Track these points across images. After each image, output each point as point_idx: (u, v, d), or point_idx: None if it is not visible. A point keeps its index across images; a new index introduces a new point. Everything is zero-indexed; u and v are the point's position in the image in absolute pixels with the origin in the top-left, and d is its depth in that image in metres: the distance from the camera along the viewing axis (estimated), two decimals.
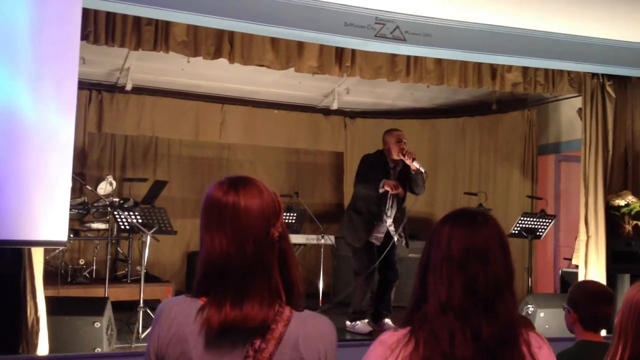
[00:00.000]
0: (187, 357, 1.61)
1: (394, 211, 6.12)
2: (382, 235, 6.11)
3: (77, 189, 7.35)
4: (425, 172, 5.98)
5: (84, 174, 7.69)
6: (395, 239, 6.11)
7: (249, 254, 1.64)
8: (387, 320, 6.15)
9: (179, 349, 1.62)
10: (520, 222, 6.79)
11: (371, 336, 5.90)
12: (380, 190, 5.93)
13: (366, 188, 6.04)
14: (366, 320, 6.08)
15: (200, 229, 1.71)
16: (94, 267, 7.34)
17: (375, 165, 6.11)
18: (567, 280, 6.87)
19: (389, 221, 6.12)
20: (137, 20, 5.24)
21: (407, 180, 6.12)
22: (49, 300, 4.55)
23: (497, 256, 1.64)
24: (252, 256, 1.64)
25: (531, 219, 6.88)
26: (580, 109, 6.82)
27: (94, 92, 8.03)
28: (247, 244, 1.64)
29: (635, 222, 6.41)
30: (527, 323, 2.82)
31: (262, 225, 1.67)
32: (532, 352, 1.63)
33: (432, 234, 1.72)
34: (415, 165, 5.90)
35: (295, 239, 7.21)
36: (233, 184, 1.71)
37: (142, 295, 5.61)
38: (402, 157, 5.99)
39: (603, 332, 3.29)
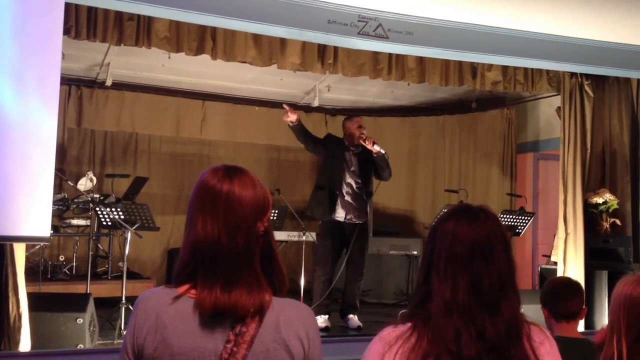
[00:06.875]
0: (168, 344, 1.60)
1: (349, 189, 6.15)
2: (343, 217, 6.13)
3: (57, 185, 7.27)
4: (385, 153, 6.07)
5: (63, 169, 7.60)
6: (342, 217, 6.12)
7: (239, 243, 1.65)
8: (351, 316, 6.15)
9: (158, 337, 1.62)
10: (500, 219, 6.83)
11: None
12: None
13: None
14: (326, 316, 6.05)
15: (190, 213, 1.71)
16: (74, 264, 7.28)
17: (333, 143, 6.28)
18: (546, 277, 6.94)
19: (346, 198, 6.14)
20: (119, 15, 5.21)
21: (371, 166, 6.19)
22: (30, 296, 4.51)
23: (500, 253, 1.64)
24: (242, 245, 1.66)
25: (511, 217, 6.96)
26: (559, 107, 6.90)
27: (74, 88, 7.96)
28: (238, 233, 1.66)
29: (612, 219, 6.50)
30: None
31: (252, 217, 1.69)
32: (533, 347, 1.62)
33: (434, 230, 1.70)
34: (376, 148, 6.01)
35: (277, 235, 7.14)
36: (228, 172, 1.72)
37: (124, 292, 5.59)
38: (362, 143, 6.07)
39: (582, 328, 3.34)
